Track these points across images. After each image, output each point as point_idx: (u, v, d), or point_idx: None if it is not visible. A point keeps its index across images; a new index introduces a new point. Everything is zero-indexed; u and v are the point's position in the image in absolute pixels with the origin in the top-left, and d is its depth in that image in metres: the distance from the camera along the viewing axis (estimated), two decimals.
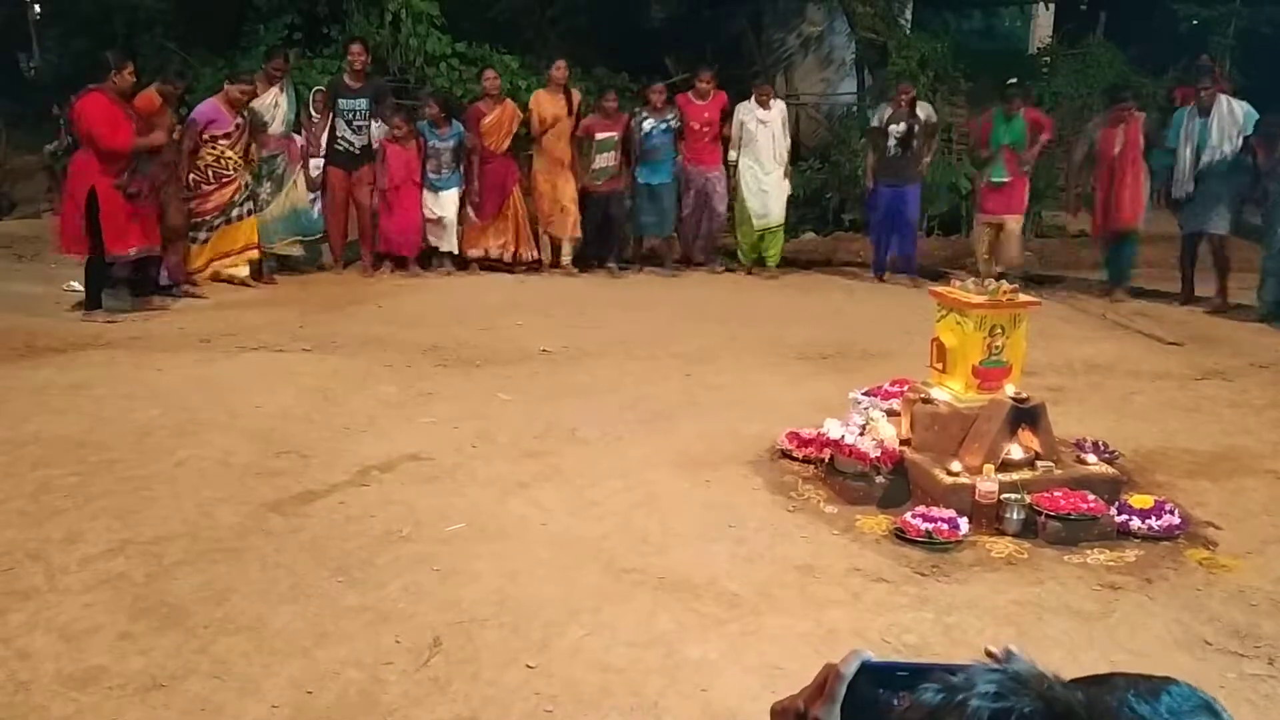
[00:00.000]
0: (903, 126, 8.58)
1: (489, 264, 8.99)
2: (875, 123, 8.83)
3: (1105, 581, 3.69)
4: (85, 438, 4.80)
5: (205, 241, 8.07)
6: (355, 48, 8.79)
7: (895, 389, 4.80)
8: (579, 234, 8.94)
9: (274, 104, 8.35)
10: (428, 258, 8.98)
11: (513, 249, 8.97)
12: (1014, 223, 8.58)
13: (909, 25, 11.42)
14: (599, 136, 8.71)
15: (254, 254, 8.29)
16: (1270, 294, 7.52)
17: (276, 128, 8.38)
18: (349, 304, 7.76)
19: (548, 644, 3.20)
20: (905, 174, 8.68)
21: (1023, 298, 4.52)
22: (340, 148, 8.72)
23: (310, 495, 4.26)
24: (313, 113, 8.68)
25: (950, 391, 4.46)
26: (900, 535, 3.95)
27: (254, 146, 8.22)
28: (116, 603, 3.36)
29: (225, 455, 4.63)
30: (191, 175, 7.89)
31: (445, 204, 8.75)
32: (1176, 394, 5.87)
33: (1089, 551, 3.88)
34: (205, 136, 7.88)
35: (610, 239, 9.03)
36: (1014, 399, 4.26)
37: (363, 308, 7.64)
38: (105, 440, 4.77)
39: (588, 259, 9.11)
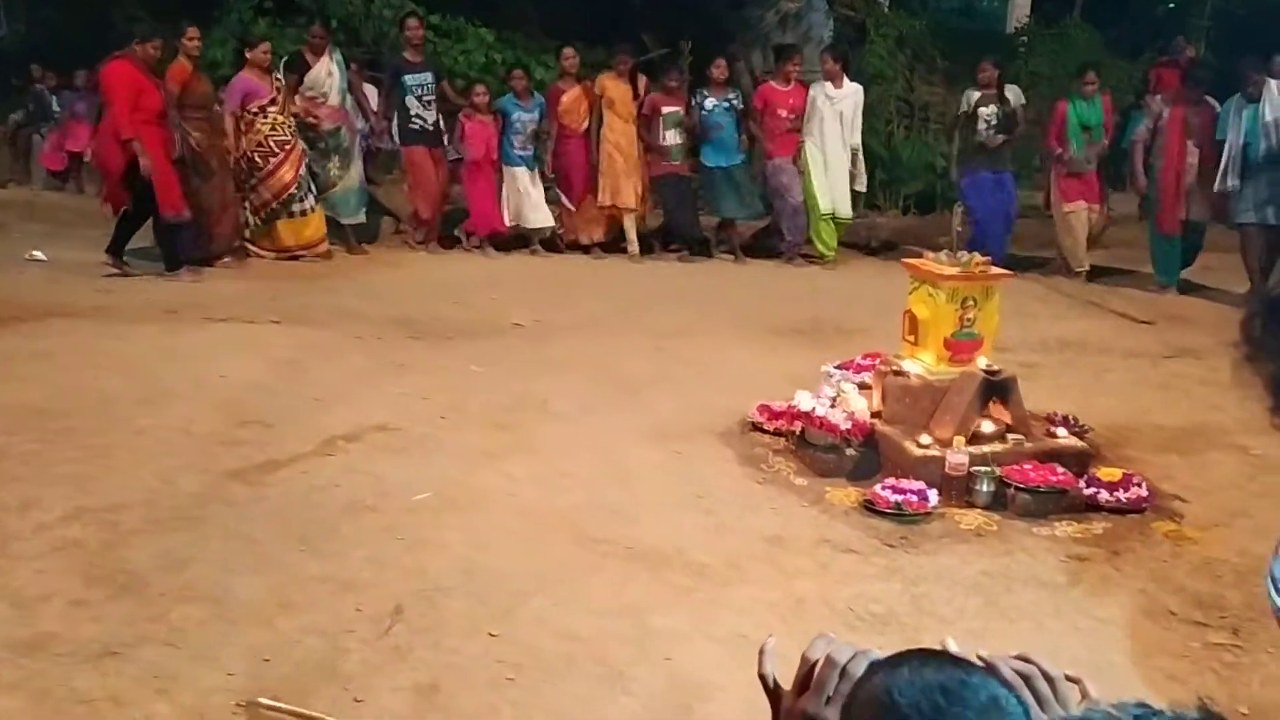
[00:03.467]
0: (992, 109, 8.17)
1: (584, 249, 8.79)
2: (964, 107, 8.44)
3: (1073, 553, 3.69)
4: (46, 405, 4.71)
5: (313, 210, 8.01)
6: (411, 22, 8.58)
7: (867, 362, 4.78)
8: (644, 208, 8.73)
9: (327, 73, 8.18)
10: (509, 241, 8.78)
11: (604, 234, 8.76)
12: (1096, 212, 8.27)
13: (887, 3, 11.38)
14: (665, 111, 8.48)
15: (323, 249, 8.22)
16: None
17: (335, 97, 8.20)
18: (322, 278, 7.67)
19: (512, 613, 3.16)
20: (1003, 160, 8.31)
21: (994, 270, 4.49)
22: (415, 126, 8.49)
23: (274, 465, 4.20)
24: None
25: (922, 364, 4.44)
26: (869, 507, 3.94)
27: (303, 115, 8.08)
28: (70, 570, 3.30)
29: (188, 424, 4.56)
30: (254, 154, 7.75)
31: (527, 179, 8.55)
32: (1148, 371, 5.89)
33: (1057, 524, 3.88)
34: (253, 110, 7.71)
35: (680, 223, 8.80)
36: (985, 371, 4.24)
37: (335, 281, 7.55)
38: (66, 408, 4.68)
39: (658, 245, 8.90)
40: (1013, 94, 8.32)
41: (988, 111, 8.23)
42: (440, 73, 8.80)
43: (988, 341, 4.44)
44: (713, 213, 8.83)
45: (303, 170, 7.96)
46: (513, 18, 10.91)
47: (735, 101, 8.58)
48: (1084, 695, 0.96)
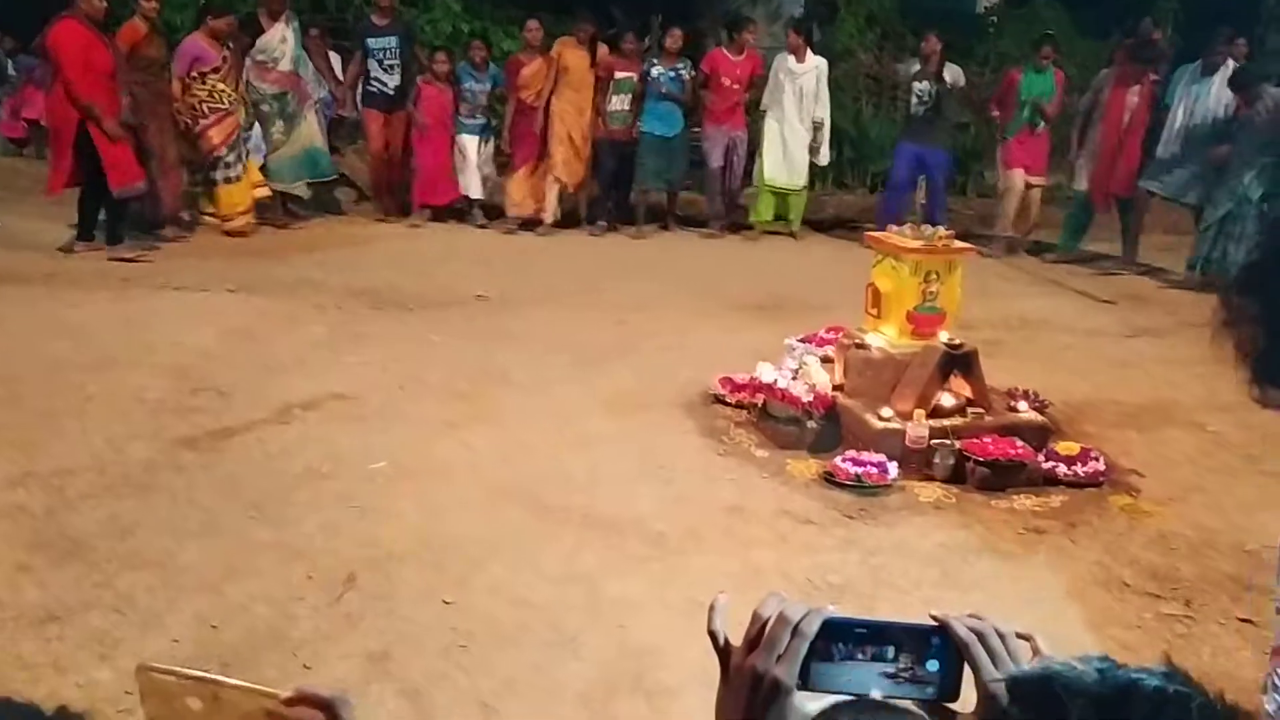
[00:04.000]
0: (926, 86, 8.24)
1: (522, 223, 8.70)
2: (901, 75, 8.54)
3: (1030, 525, 3.70)
4: None
5: (239, 178, 7.79)
6: None
7: (830, 335, 4.77)
8: (574, 180, 8.62)
9: (281, 39, 8.01)
10: (461, 211, 8.72)
11: (550, 210, 8.64)
12: (1038, 182, 8.32)
13: None
14: (618, 76, 8.40)
15: (263, 193, 8.05)
16: (1204, 250, 7.41)
17: (285, 64, 8.04)
18: (280, 247, 7.54)
19: (467, 580, 3.13)
20: (928, 135, 8.34)
21: (957, 244, 4.49)
22: (374, 89, 8.42)
23: (227, 432, 4.12)
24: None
25: (884, 337, 4.43)
26: (829, 479, 3.93)
27: (243, 83, 7.90)
28: (15, 535, 3.22)
29: (139, 391, 4.47)
30: (186, 116, 7.58)
31: (473, 148, 8.49)
32: (1108, 349, 5.92)
33: (1016, 497, 3.90)
34: (194, 74, 7.56)
35: (608, 191, 8.73)
36: (947, 345, 4.24)
37: (294, 253, 7.42)
38: (13, 373, 4.57)
39: (588, 211, 8.84)
40: (950, 74, 8.31)
41: (921, 86, 8.30)
42: (409, 36, 8.67)
43: (950, 316, 4.44)
44: (644, 181, 8.78)
45: (235, 139, 7.77)
46: None
47: (684, 71, 8.51)
48: (1035, 652, 0.94)
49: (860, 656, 0.91)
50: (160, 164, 7.44)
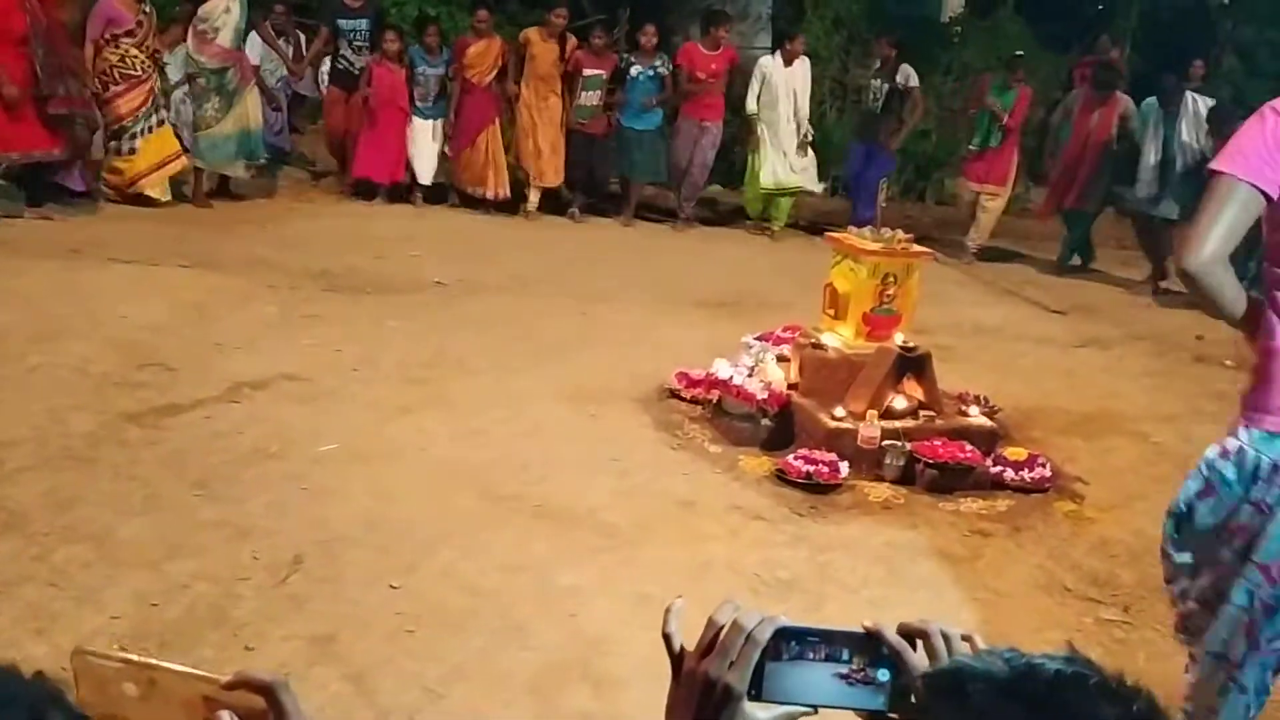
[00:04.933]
0: (879, 84, 8.41)
1: (468, 201, 8.63)
2: (862, 77, 8.66)
3: (976, 528, 3.75)
4: None
5: (134, 153, 7.48)
6: None
7: (787, 334, 4.79)
8: (557, 181, 8.61)
9: (225, 10, 7.70)
10: (401, 191, 8.61)
11: (493, 188, 8.56)
12: (993, 196, 8.39)
13: None
14: (586, 73, 8.35)
15: (176, 166, 7.74)
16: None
17: (225, 37, 7.75)
18: (236, 224, 7.41)
19: (416, 565, 3.10)
20: (877, 134, 8.45)
21: (916, 248, 4.53)
22: (341, 66, 8.40)
23: (174, 408, 4.05)
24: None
25: (840, 338, 4.46)
26: (781, 476, 3.95)
27: (160, 49, 7.63)
28: None
29: (83, 363, 4.37)
30: (96, 79, 7.31)
31: (427, 132, 8.43)
32: (1057, 358, 6.02)
33: (963, 499, 3.95)
34: (107, 36, 7.32)
35: (589, 183, 8.74)
36: (901, 348, 4.28)
37: (250, 229, 7.30)
38: None
39: (562, 201, 8.78)
40: (902, 74, 8.43)
41: (875, 84, 8.48)
42: (380, 20, 8.62)
43: (906, 319, 4.48)
44: (618, 170, 8.80)
45: (147, 108, 7.49)
46: None
47: (661, 68, 8.53)
48: (975, 650, 0.96)
49: (812, 656, 0.92)
50: (80, 136, 7.17)
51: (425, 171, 8.56)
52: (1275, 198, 1.91)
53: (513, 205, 8.64)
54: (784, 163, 8.60)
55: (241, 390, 4.30)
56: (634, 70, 8.47)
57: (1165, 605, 3.28)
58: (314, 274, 6.24)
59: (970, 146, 8.49)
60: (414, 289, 6.18)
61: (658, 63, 8.52)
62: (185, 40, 7.81)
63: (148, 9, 7.50)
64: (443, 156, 8.63)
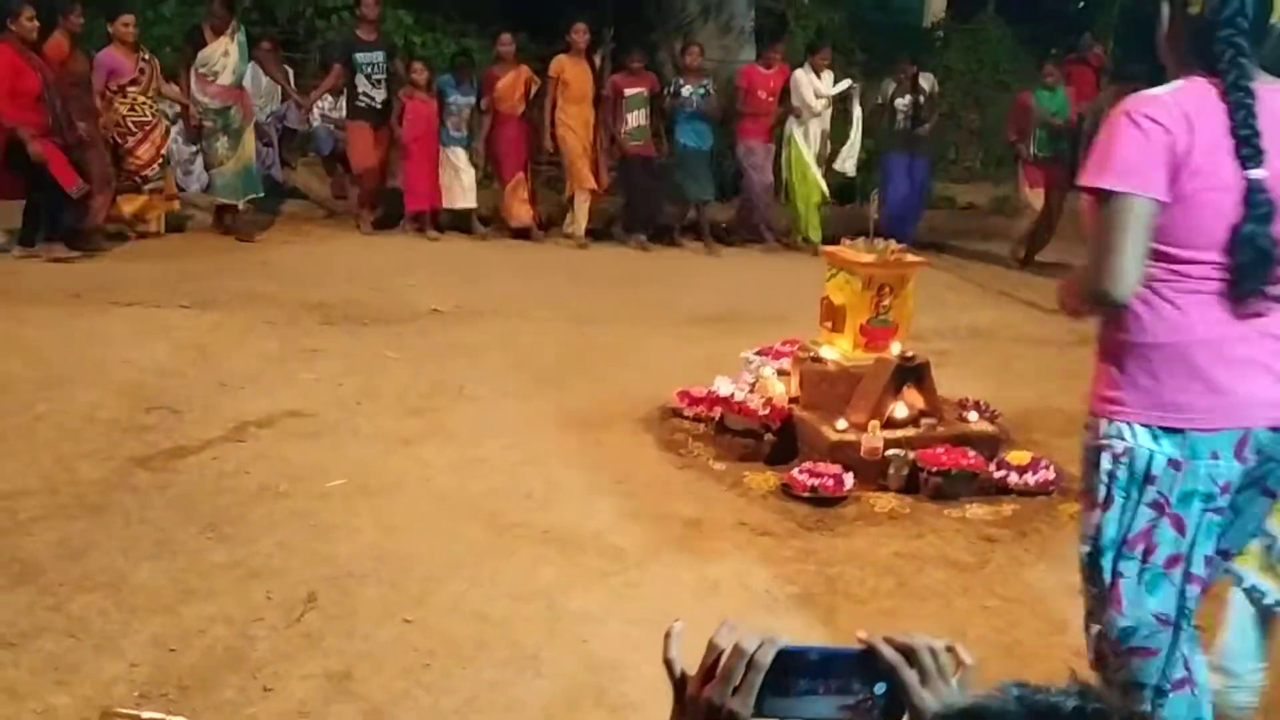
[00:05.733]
0: (908, 100, 8.59)
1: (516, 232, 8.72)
2: (879, 100, 8.79)
3: (982, 534, 3.77)
4: None
5: (157, 190, 7.86)
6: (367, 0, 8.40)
7: (786, 348, 4.82)
8: (601, 185, 8.67)
9: (223, 53, 7.89)
10: (443, 220, 8.70)
11: (533, 219, 8.68)
12: (1054, 199, 8.41)
13: None
14: (628, 93, 8.42)
15: (173, 206, 8.04)
16: None
17: (226, 78, 7.93)
18: (233, 261, 7.46)
19: (426, 598, 3.13)
20: (916, 144, 8.66)
21: (910, 258, 4.57)
22: (362, 103, 8.40)
23: (181, 451, 4.08)
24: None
25: (838, 350, 4.50)
26: (787, 490, 3.98)
27: (163, 88, 7.86)
28: None
29: (90, 410, 4.40)
30: (112, 134, 7.53)
31: (463, 160, 8.51)
32: (1054, 358, 6.04)
33: (968, 506, 3.97)
34: (113, 88, 7.51)
35: (643, 207, 8.77)
36: (900, 357, 4.31)
37: (247, 266, 7.34)
38: None
39: (620, 230, 8.86)
40: (927, 81, 8.68)
41: (903, 102, 8.62)
42: (392, 51, 8.68)
43: (902, 328, 4.51)
44: (682, 196, 8.80)
45: (165, 150, 7.80)
46: (431, 1, 10.74)
47: (709, 86, 8.61)
48: (960, 663, 0.97)
49: (821, 692, 0.93)
50: (95, 178, 7.34)
51: (468, 197, 8.61)
52: (1165, 201, 1.90)
53: (511, 228, 8.71)
54: (818, 174, 8.76)
55: (247, 429, 4.33)
56: (685, 90, 8.54)
57: None
58: (311, 307, 6.27)
59: (1035, 153, 8.49)
60: (411, 318, 6.22)
61: (705, 81, 8.61)
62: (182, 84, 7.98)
63: (147, 56, 7.68)
64: (480, 183, 8.72)
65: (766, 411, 4.34)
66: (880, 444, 4.09)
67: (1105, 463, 2.04)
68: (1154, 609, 2.06)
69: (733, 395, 4.48)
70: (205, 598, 3.05)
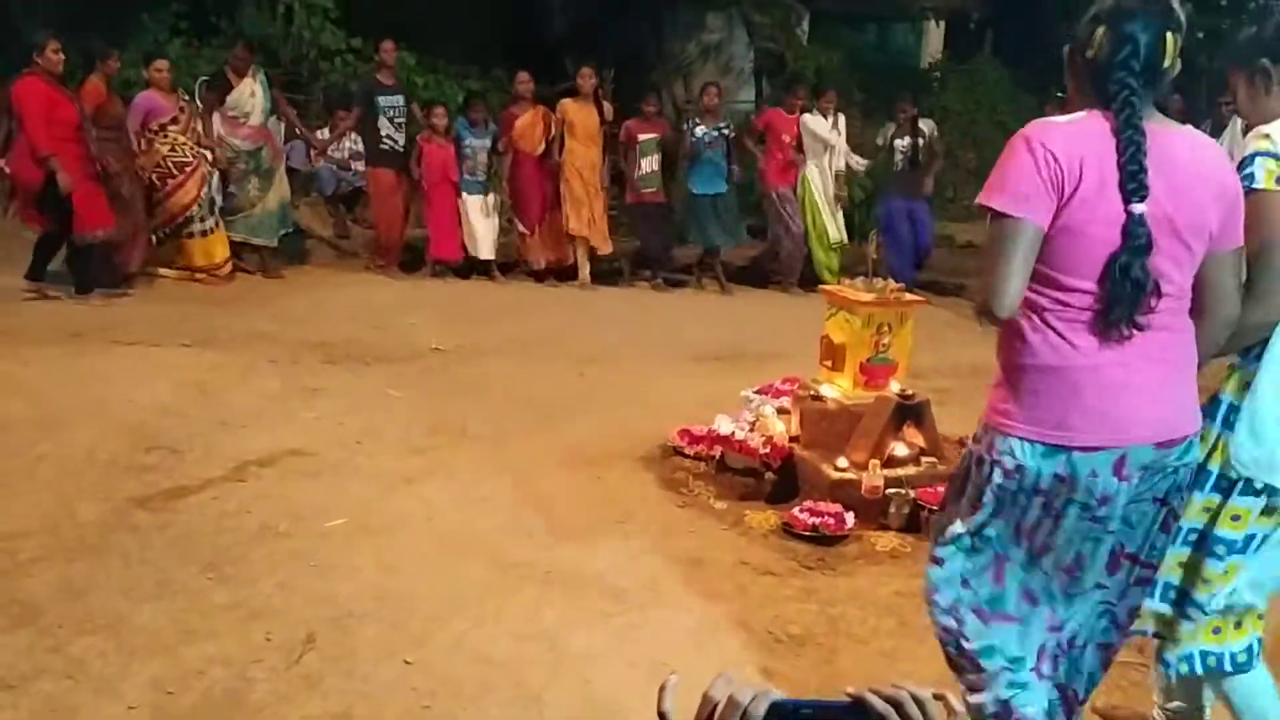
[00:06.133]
0: (907, 142, 8.62)
1: (536, 274, 8.73)
2: (880, 141, 8.87)
3: None
4: None
5: (214, 231, 7.90)
6: (386, 44, 8.50)
7: (786, 387, 4.84)
8: (609, 249, 8.71)
9: (250, 94, 8.03)
10: (469, 268, 8.71)
11: (558, 258, 8.68)
12: None
13: (806, 36, 11.61)
14: (641, 139, 8.45)
15: (226, 270, 8.09)
16: None
17: (256, 118, 8.07)
18: (234, 301, 7.50)
19: (427, 638, 3.11)
20: (915, 189, 8.65)
21: (909, 296, 4.59)
22: (386, 147, 8.46)
23: (182, 490, 4.08)
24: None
25: (838, 388, 4.51)
26: (788, 529, 3.97)
27: (214, 137, 7.94)
28: None
29: (91, 450, 4.40)
30: (152, 175, 7.62)
31: (479, 208, 8.49)
32: None
33: None
34: (154, 128, 7.61)
35: (654, 251, 8.80)
36: (899, 395, 4.32)
37: (248, 305, 7.39)
38: None
39: (628, 271, 8.92)
40: (927, 126, 8.72)
41: (902, 144, 8.65)
42: (410, 95, 8.79)
43: (902, 366, 4.53)
44: (696, 242, 8.81)
45: (205, 191, 7.84)
46: (434, 41, 10.87)
47: (726, 130, 8.63)
48: (950, 711, 0.97)
49: None
50: (133, 221, 7.44)
51: (484, 247, 8.58)
52: (1047, 229, 1.99)
53: (534, 270, 8.77)
54: (833, 218, 8.76)
55: (248, 468, 4.33)
56: (699, 131, 8.53)
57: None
58: (313, 346, 6.30)
59: None
60: (413, 357, 6.24)
61: (722, 124, 8.62)
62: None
63: (186, 97, 7.76)
64: (503, 230, 8.72)
65: (767, 450, 4.34)
66: (881, 482, 4.09)
67: (998, 477, 2.13)
68: (1027, 584, 2.21)
69: (733, 434, 4.48)
70: (205, 639, 3.04)
